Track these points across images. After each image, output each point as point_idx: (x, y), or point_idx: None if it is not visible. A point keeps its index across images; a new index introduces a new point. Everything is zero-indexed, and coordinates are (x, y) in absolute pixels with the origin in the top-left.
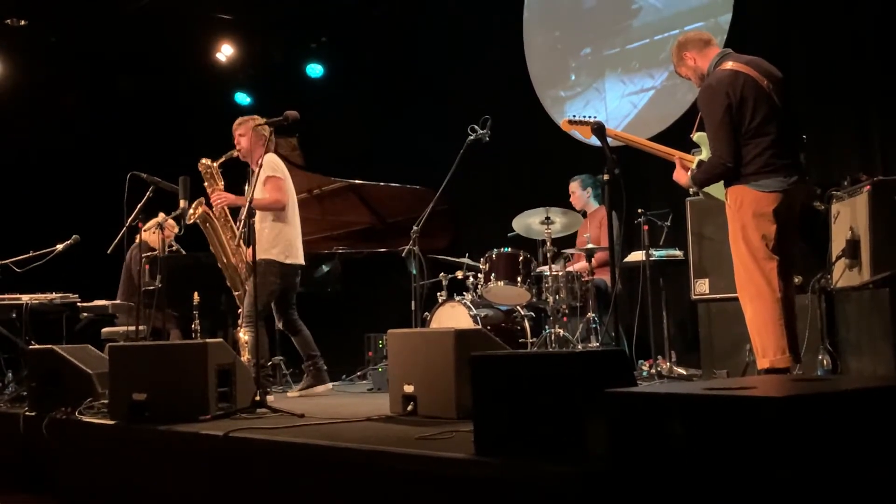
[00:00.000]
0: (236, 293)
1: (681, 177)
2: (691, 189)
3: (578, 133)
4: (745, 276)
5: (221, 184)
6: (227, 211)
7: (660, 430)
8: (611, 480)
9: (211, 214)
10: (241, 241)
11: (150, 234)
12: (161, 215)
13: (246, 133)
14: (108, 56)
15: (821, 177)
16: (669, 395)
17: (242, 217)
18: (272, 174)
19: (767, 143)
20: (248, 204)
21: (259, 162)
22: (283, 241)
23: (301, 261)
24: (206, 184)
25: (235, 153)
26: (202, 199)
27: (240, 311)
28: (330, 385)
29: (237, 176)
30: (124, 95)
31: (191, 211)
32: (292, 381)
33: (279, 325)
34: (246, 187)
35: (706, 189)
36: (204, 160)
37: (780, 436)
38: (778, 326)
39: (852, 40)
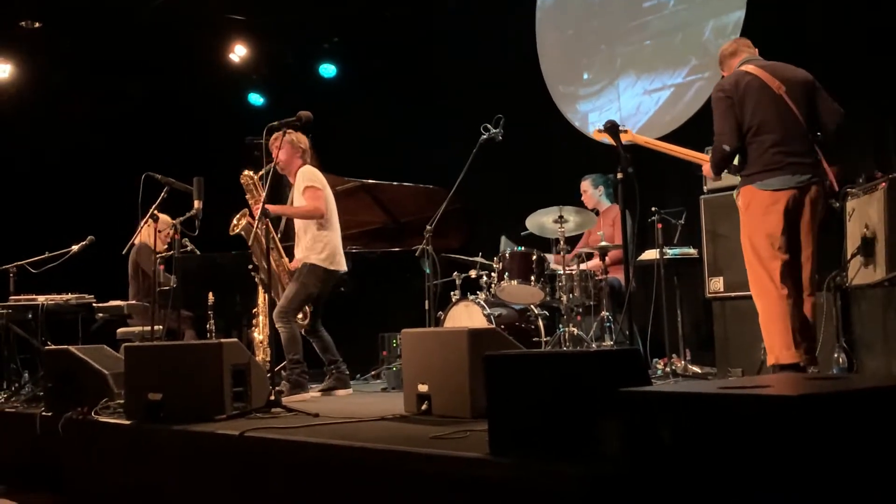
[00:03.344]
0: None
1: (706, 170)
2: (705, 184)
3: (609, 141)
4: (752, 275)
5: (263, 195)
6: (269, 222)
7: (674, 430)
8: (625, 480)
9: (255, 225)
10: (283, 253)
11: (148, 235)
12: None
13: (283, 146)
14: (121, 57)
15: (836, 174)
16: (684, 394)
17: (257, 216)
18: (310, 184)
19: (770, 143)
20: (261, 205)
21: (295, 173)
22: (329, 248)
23: (343, 267)
24: (247, 195)
25: (273, 166)
26: (246, 211)
27: (254, 310)
28: (350, 390)
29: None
30: (138, 96)
31: (234, 222)
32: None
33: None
34: (262, 178)
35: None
36: (246, 172)
37: (795, 434)
38: (783, 323)
39: (867, 36)
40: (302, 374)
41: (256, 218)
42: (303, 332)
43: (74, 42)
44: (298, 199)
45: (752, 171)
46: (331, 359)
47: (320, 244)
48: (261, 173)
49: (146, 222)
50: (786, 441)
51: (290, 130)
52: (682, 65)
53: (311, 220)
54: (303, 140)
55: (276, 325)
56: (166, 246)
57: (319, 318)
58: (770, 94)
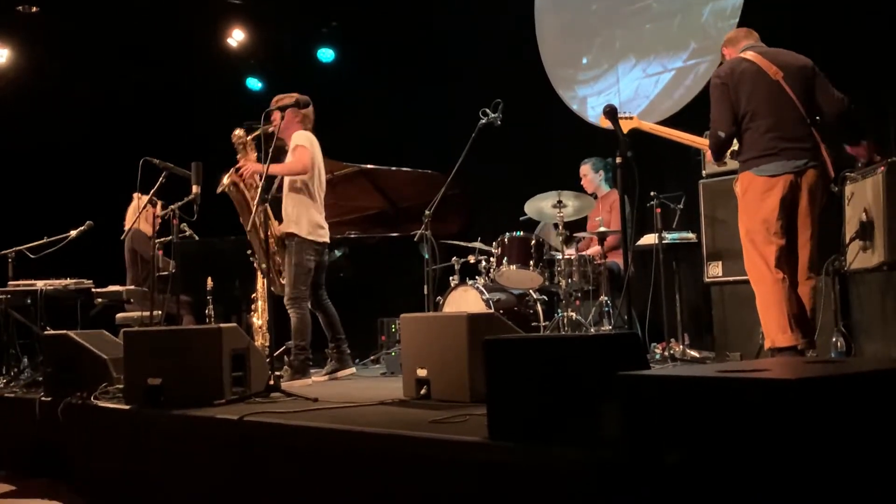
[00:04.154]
0: (263, 266)
1: (710, 155)
2: (704, 169)
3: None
4: (748, 260)
5: (253, 155)
6: (258, 180)
7: (673, 413)
8: (624, 464)
9: (240, 183)
10: (271, 214)
11: (145, 220)
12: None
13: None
14: (119, 41)
15: (834, 158)
16: (682, 378)
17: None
18: (300, 143)
19: (766, 128)
20: (262, 181)
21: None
22: (306, 218)
23: (327, 239)
24: (238, 154)
25: (271, 128)
26: (233, 170)
27: (253, 295)
28: (353, 369)
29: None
30: (135, 81)
31: (225, 180)
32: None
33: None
34: (256, 140)
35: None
36: (237, 131)
37: (794, 418)
38: (778, 307)
39: (868, 20)
40: (306, 360)
41: (258, 196)
42: (308, 307)
43: (72, 26)
44: (287, 157)
45: (749, 157)
46: (335, 335)
47: (298, 215)
48: (253, 135)
49: (144, 208)
50: (784, 425)
51: (292, 95)
52: (682, 48)
53: (294, 191)
54: (307, 110)
55: (289, 311)
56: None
57: (323, 291)
58: (766, 80)
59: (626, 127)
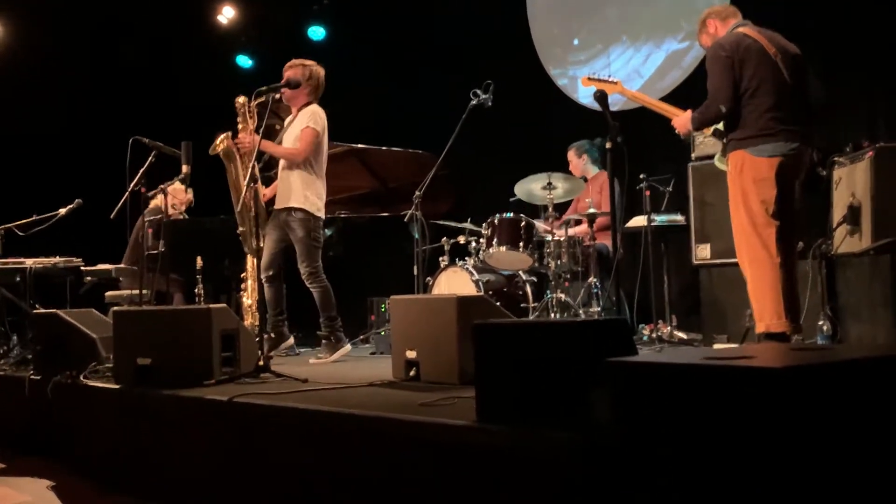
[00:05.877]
0: (240, 229)
1: (681, 122)
2: (693, 152)
3: (597, 87)
4: (744, 242)
5: (253, 124)
6: (253, 153)
7: (660, 400)
8: (613, 448)
9: (234, 150)
10: (260, 182)
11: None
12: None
13: (296, 74)
14: (108, 19)
15: (824, 143)
16: (668, 364)
17: (251, 154)
18: (312, 125)
19: (766, 107)
20: (257, 146)
21: (301, 107)
22: (314, 193)
23: (323, 216)
24: (238, 118)
25: (278, 95)
26: (229, 133)
27: (243, 275)
28: (292, 341)
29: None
30: (125, 58)
31: (216, 142)
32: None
33: (263, 276)
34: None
35: (717, 160)
36: (241, 98)
37: (780, 406)
38: (775, 292)
39: (859, 8)
40: (339, 328)
41: (249, 152)
42: (263, 279)
43: (59, 4)
44: (294, 135)
45: (746, 136)
46: (278, 312)
47: (305, 188)
48: (258, 101)
49: (154, 195)
50: (770, 412)
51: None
52: (674, 30)
53: (302, 166)
54: (320, 77)
55: (309, 286)
56: (183, 208)
57: (282, 267)
58: (769, 59)
59: (609, 91)
